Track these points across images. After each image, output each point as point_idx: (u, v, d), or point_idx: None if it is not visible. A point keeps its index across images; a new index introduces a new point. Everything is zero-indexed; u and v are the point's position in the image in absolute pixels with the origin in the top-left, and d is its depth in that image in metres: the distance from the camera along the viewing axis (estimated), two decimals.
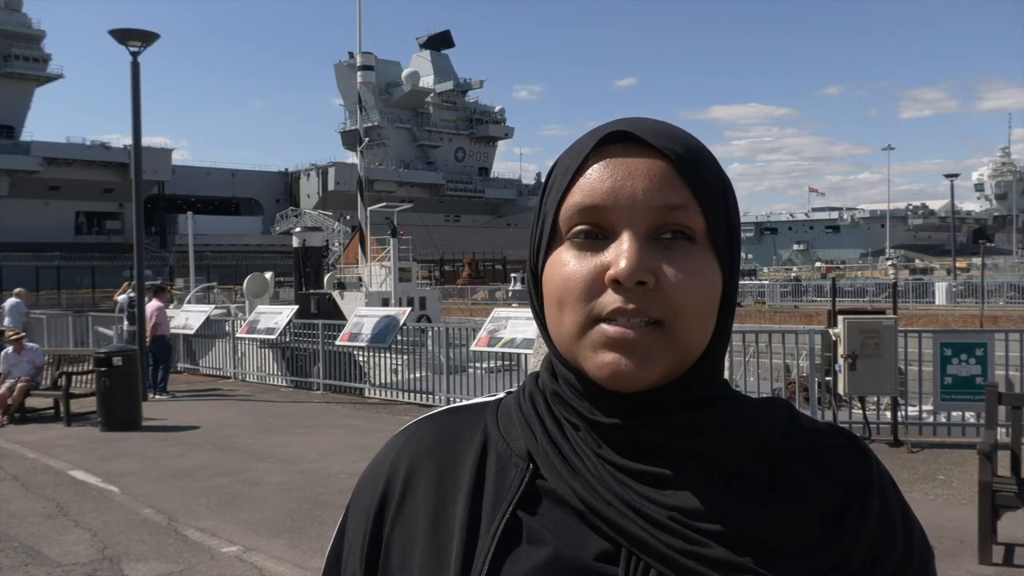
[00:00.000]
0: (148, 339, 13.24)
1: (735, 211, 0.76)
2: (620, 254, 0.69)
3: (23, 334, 12.22)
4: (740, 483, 0.71)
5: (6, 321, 16.45)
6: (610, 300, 0.69)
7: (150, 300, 13.69)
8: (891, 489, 0.75)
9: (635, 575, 0.68)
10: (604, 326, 0.69)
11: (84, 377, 11.40)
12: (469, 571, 0.71)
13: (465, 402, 0.87)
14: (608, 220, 0.71)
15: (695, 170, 0.72)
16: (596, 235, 0.71)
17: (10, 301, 17.24)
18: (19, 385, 10.98)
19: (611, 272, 0.69)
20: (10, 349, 11.42)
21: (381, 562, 0.78)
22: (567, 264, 0.72)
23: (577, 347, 0.71)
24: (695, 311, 0.70)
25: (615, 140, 0.73)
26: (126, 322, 15.38)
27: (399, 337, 12.81)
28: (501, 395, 0.85)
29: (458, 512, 0.74)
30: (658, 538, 0.67)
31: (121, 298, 15.72)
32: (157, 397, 13.00)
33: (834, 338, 8.44)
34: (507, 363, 11.34)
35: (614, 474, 0.71)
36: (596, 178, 0.72)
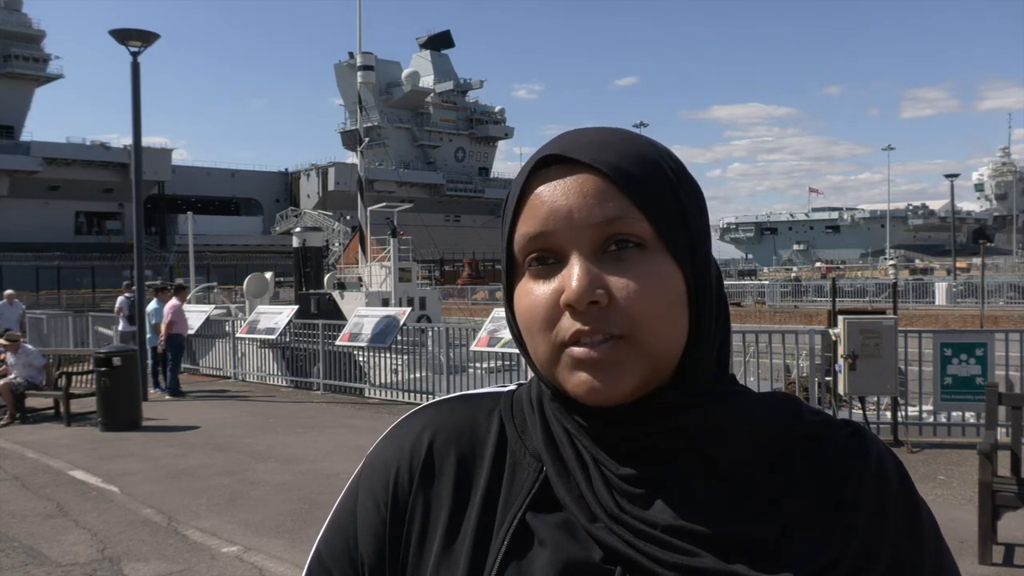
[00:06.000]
0: (163, 337, 13.29)
1: (693, 209, 0.74)
2: (569, 277, 0.70)
3: (18, 335, 12.25)
4: (736, 483, 0.71)
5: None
6: (569, 325, 0.70)
7: (168, 299, 13.73)
8: (895, 482, 0.73)
9: None
10: (572, 348, 0.70)
11: (84, 377, 11.40)
12: (480, 571, 0.72)
13: (479, 390, 0.87)
14: (554, 244, 0.71)
15: (631, 177, 0.71)
16: (549, 260, 0.72)
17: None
18: (3, 381, 11.01)
19: (563, 298, 0.70)
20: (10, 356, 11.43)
21: (401, 544, 0.78)
22: (528, 293, 0.73)
23: (553, 371, 0.73)
24: (655, 318, 0.69)
25: (551, 163, 0.73)
26: (121, 323, 15.41)
27: (399, 337, 12.81)
28: (512, 387, 0.85)
29: (473, 510, 0.76)
30: (644, 551, 0.68)
31: (120, 299, 15.74)
32: (167, 398, 13.02)
33: (834, 338, 8.44)
34: (507, 363, 11.34)
35: (611, 480, 0.72)
36: (535, 205, 0.72)
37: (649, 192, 0.71)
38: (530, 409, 0.80)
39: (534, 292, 0.72)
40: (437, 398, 0.87)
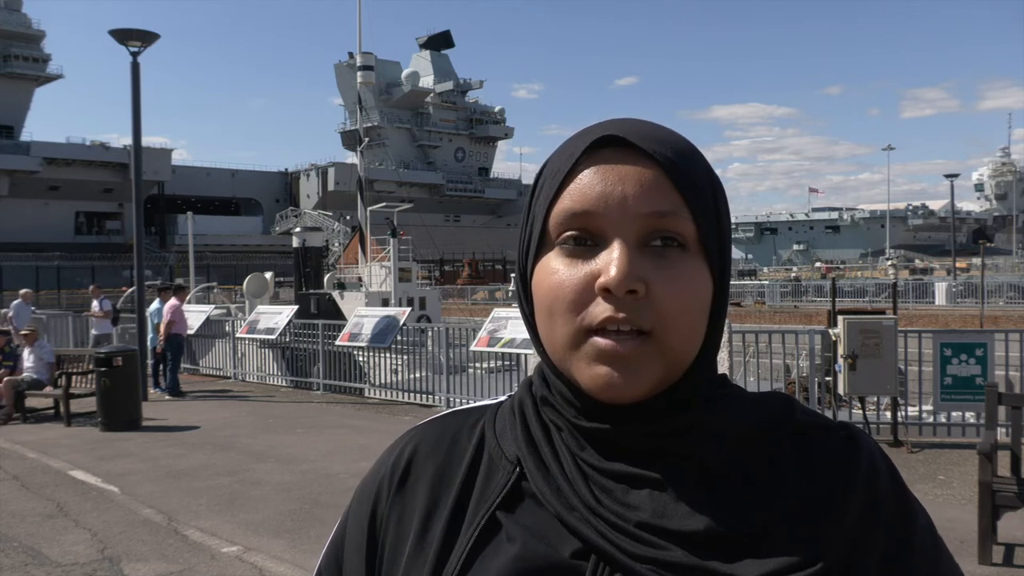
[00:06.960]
0: (162, 338, 13.31)
1: (726, 215, 0.75)
2: (610, 262, 0.68)
3: (36, 328, 12.37)
4: (724, 482, 0.70)
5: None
6: (601, 310, 0.68)
7: (168, 299, 13.76)
8: (886, 483, 0.72)
9: (602, 575, 0.68)
10: (596, 339, 0.68)
11: (84, 377, 11.41)
12: (444, 566, 0.73)
13: (470, 404, 0.88)
14: (598, 226, 0.70)
15: (686, 175, 0.71)
16: (586, 241, 0.71)
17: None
18: (6, 379, 11.05)
19: (601, 280, 0.68)
20: (27, 349, 11.54)
21: (377, 554, 0.81)
22: (557, 271, 0.71)
23: (569, 358, 0.71)
24: (685, 321, 0.69)
25: (605, 144, 0.72)
26: (94, 328, 15.49)
27: (399, 337, 12.81)
28: (503, 398, 0.85)
29: (445, 510, 0.76)
30: (615, 543, 0.67)
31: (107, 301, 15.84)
32: (167, 398, 13.03)
33: (834, 338, 8.44)
34: (507, 363, 11.34)
35: (591, 476, 0.71)
36: (586, 183, 0.71)
37: (699, 194, 0.71)
38: (510, 413, 0.80)
39: (562, 271, 0.70)
40: (431, 416, 0.88)
